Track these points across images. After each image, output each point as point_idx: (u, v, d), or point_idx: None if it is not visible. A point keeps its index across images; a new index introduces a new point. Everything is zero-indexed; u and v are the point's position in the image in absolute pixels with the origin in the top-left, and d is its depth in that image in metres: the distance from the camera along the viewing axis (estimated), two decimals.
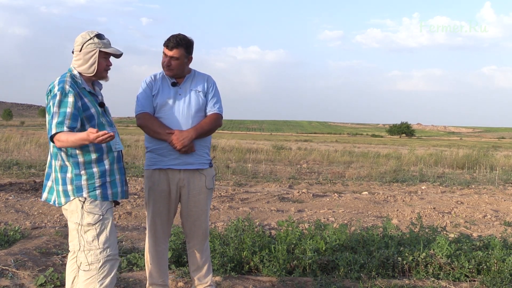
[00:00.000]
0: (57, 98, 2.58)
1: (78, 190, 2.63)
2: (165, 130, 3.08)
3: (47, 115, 2.65)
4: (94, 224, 2.64)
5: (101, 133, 2.39)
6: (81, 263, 2.67)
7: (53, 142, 2.58)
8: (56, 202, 2.68)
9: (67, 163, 2.63)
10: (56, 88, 2.61)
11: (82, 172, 2.64)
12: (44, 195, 2.77)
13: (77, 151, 2.63)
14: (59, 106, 2.57)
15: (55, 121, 2.54)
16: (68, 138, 2.50)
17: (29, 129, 48.30)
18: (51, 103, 2.59)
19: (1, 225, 5.52)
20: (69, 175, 2.63)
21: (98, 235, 2.66)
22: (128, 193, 2.95)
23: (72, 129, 2.55)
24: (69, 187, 2.63)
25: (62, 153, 2.63)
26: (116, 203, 2.84)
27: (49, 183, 2.74)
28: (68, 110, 2.56)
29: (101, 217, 2.67)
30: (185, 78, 3.23)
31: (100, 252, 2.66)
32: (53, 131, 2.53)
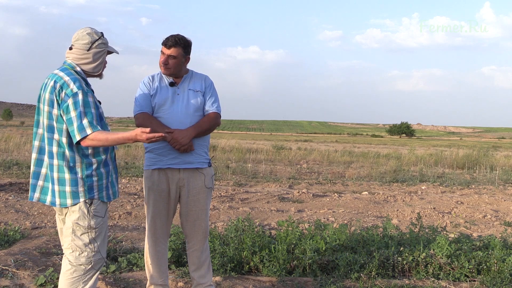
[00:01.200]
0: (80, 97, 2.51)
1: (90, 191, 2.59)
2: (164, 129, 3.08)
3: (58, 111, 2.53)
4: (95, 227, 2.62)
5: (157, 134, 2.41)
6: (68, 261, 2.64)
7: (78, 143, 2.50)
8: (57, 203, 2.59)
9: (78, 164, 2.57)
10: (74, 85, 2.53)
11: (94, 173, 2.61)
12: (36, 195, 2.64)
13: (90, 151, 2.60)
14: (84, 106, 2.50)
15: (85, 121, 2.48)
16: (108, 137, 2.47)
17: (29, 129, 48.27)
18: (70, 102, 2.50)
19: (1, 225, 5.52)
20: (80, 175, 2.57)
21: (96, 238, 2.63)
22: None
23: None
24: (80, 189, 2.57)
25: (76, 154, 2.56)
26: None
27: (40, 183, 2.64)
28: (93, 110, 2.53)
29: (102, 220, 2.65)
30: (183, 78, 3.24)
31: (93, 255, 2.64)
32: (88, 131, 2.47)
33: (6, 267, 3.82)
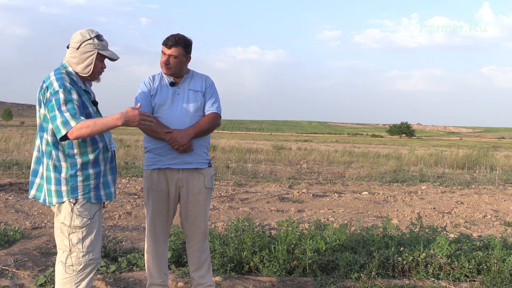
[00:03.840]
0: (61, 95, 2.50)
1: (73, 191, 2.58)
2: (163, 129, 3.08)
3: (44, 111, 2.56)
4: (82, 227, 2.61)
5: (147, 114, 2.36)
6: (60, 261, 2.64)
7: (64, 138, 2.47)
8: (47, 201, 2.62)
9: (63, 163, 2.57)
10: (56, 84, 2.53)
11: (79, 173, 2.59)
12: (32, 192, 2.69)
13: (75, 151, 2.58)
14: (66, 103, 2.49)
15: (67, 114, 2.45)
16: (96, 122, 2.44)
17: (29, 129, 48.31)
18: (53, 100, 2.50)
19: (1, 225, 5.53)
20: (63, 175, 2.57)
21: (84, 238, 2.62)
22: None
23: None
24: (64, 188, 2.57)
25: (60, 153, 2.57)
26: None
27: (38, 180, 2.67)
28: (75, 106, 2.51)
29: (89, 220, 2.63)
30: (184, 78, 3.24)
31: (83, 256, 2.62)
32: (72, 123, 2.43)
33: (6, 267, 3.82)
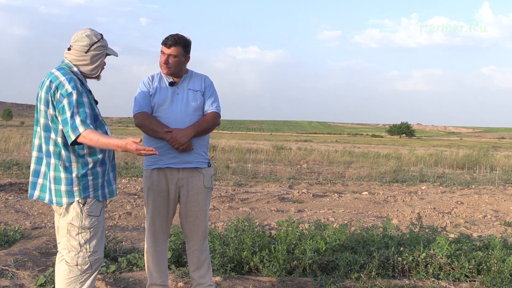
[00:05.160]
0: (74, 97, 2.51)
1: (84, 190, 2.59)
2: (163, 128, 3.08)
3: (54, 111, 2.56)
4: (90, 228, 2.62)
5: (148, 148, 2.37)
6: (65, 261, 2.65)
7: (75, 141, 2.48)
8: (54, 202, 2.61)
9: (74, 163, 2.58)
10: (69, 86, 2.53)
11: (89, 172, 2.61)
12: (36, 193, 2.68)
13: (85, 151, 2.60)
14: (78, 106, 2.50)
15: (78, 120, 2.47)
16: (99, 138, 2.44)
17: (29, 129, 48.28)
18: (65, 102, 2.50)
19: (1, 225, 5.53)
20: (75, 175, 2.57)
21: (91, 238, 2.64)
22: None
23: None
24: (75, 188, 2.58)
25: (71, 154, 2.57)
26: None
27: (40, 181, 2.66)
28: (87, 110, 2.52)
29: (97, 220, 2.65)
30: (183, 78, 3.24)
31: (89, 256, 2.64)
32: (81, 129, 2.45)
33: (6, 267, 3.82)
